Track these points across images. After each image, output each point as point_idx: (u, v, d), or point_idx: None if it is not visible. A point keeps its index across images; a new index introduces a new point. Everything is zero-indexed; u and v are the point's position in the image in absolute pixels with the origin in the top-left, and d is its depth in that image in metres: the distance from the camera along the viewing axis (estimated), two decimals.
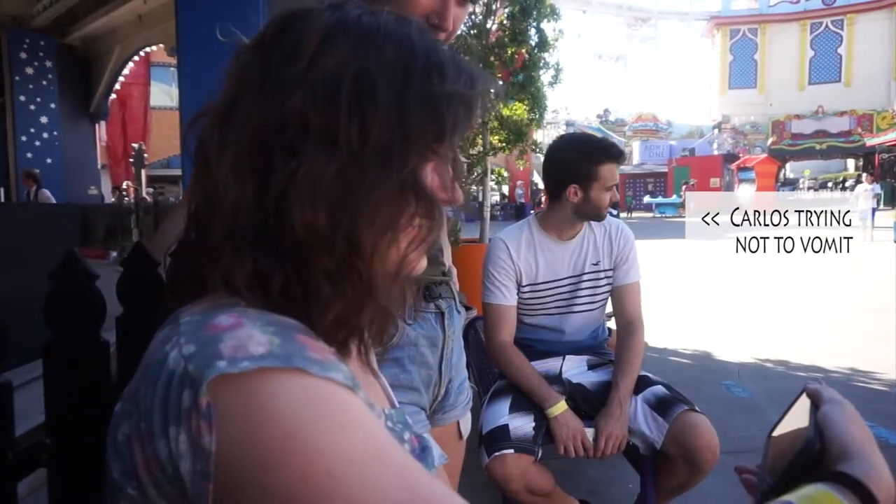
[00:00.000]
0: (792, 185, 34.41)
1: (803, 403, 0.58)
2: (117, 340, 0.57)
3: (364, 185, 0.46)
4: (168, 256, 0.54)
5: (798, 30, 35.25)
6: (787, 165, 34.35)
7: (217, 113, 0.49)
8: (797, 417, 0.57)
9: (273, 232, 0.46)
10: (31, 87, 11.24)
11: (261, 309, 0.45)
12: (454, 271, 1.14)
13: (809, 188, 33.62)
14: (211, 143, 0.48)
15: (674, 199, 26.56)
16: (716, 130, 34.17)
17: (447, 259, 1.12)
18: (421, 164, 0.50)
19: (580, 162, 1.83)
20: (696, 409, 1.69)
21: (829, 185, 34.13)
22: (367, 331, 0.53)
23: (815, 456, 0.51)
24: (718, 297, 6.84)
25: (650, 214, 26.84)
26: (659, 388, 1.78)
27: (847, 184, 33.20)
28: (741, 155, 29.38)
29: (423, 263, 0.54)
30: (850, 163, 36.75)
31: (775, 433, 0.59)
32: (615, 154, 1.84)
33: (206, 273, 0.47)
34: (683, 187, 25.50)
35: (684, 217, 24.43)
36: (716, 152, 30.87)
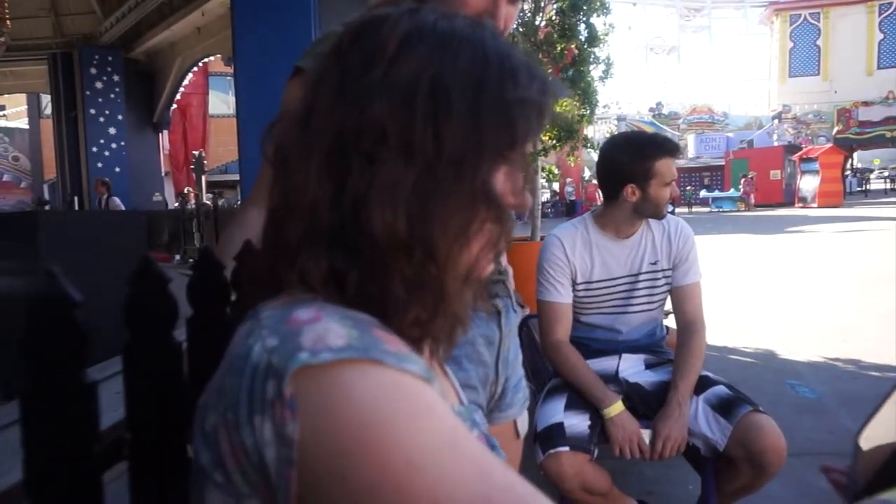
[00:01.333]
0: (861, 174, 32.61)
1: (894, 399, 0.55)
2: (188, 340, 0.60)
3: (440, 193, 0.47)
4: (234, 260, 0.56)
5: (865, 12, 33.41)
6: (855, 155, 32.62)
7: (296, 118, 0.51)
8: (890, 415, 0.55)
9: (349, 234, 0.47)
10: (100, 100, 11.92)
11: (336, 305, 0.47)
12: (510, 270, 1.14)
13: (886, 177, 31.73)
14: (290, 147, 0.50)
15: (731, 192, 25.63)
16: (776, 121, 32.78)
17: (503, 258, 1.12)
18: (493, 171, 0.50)
19: (635, 160, 1.78)
20: (761, 409, 1.64)
21: None
22: (439, 333, 0.53)
23: None
24: (781, 292, 6.56)
25: (706, 209, 26.01)
26: (721, 389, 1.73)
27: None
28: (804, 145, 28.07)
29: (492, 267, 0.55)
30: None
31: (865, 432, 0.57)
32: (670, 148, 1.80)
33: (282, 272, 0.49)
34: (742, 180, 24.56)
35: (743, 211, 23.59)
36: (776, 143, 29.61)
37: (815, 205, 22.46)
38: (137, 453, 0.51)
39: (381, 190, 0.46)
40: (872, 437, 0.56)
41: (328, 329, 0.43)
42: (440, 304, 0.50)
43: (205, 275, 0.59)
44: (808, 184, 23.57)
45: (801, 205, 23.52)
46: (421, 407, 0.42)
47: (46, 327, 0.42)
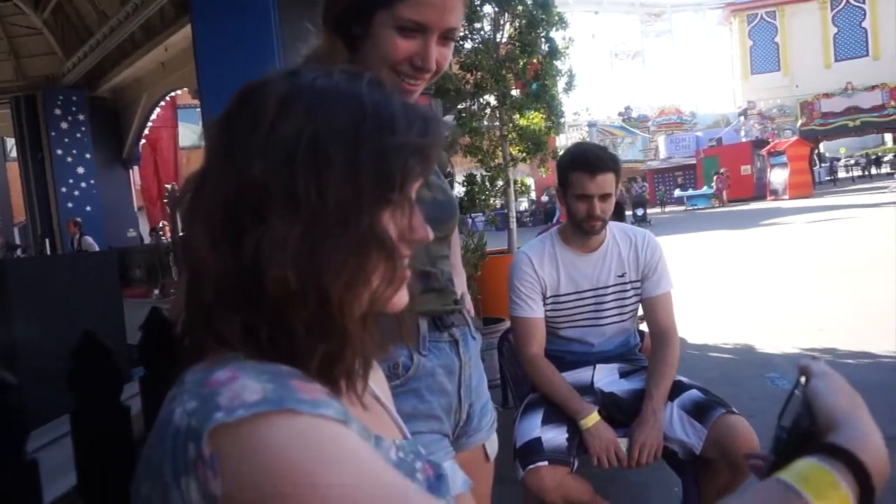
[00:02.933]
0: (832, 163, 33.23)
1: (802, 382, 0.58)
2: (141, 399, 0.61)
3: (327, 243, 0.49)
4: (139, 329, 0.58)
5: (818, 8, 34.39)
6: (821, 145, 33.34)
7: (192, 186, 0.54)
8: (796, 400, 0.58)
9: (252, 291, 0.49)
10: (66, 140, 11.77)
11: (258, 360, 0.49)
12: (467, 297, 1.16)
13: (855, 165, 32.26)
14: (187, 214, 0.53)
15: (704, 190, 26.04)
16: (742, 118, 33.47)
17: (460, 287, 1.14)
18: (377, 215, 0.52)
19: (559, 170, 1.89)
20: (734, 410, 1.67)
21: (874, 158, 32.89)
22: (353, 368, 0.56)
23: (805, 432, 0.53)
24: (758, 286, 6.66)
25: (682, 208, 26.37)
26: (694, 393, 1.76)
27: (886, 158, 32.06)
28: (771, 140, 28.66)
29: (402, 299, 0.57)
30: (889, 137, 35.54)
31: (783, 417, 0.60)
32: (580, 163, 1.82)
33: (200, 336, 0.51)
34: (714, 178, 24.97)
35: (717, 207, 23.94)
36: (744, 139, 30.20)
37: (787, 197, 22.90)
38: None
39: (271, 247, 0.48)
40: (784, 417, 0.59)
41: (244, 386, 0.45)
42: (345, 344, 0.52)
43: (154, 334, 0.60)
44: (778, 177, 24.03)
45: (772, 198, 23.96)
46: (335, 449, 0.44)
47: None
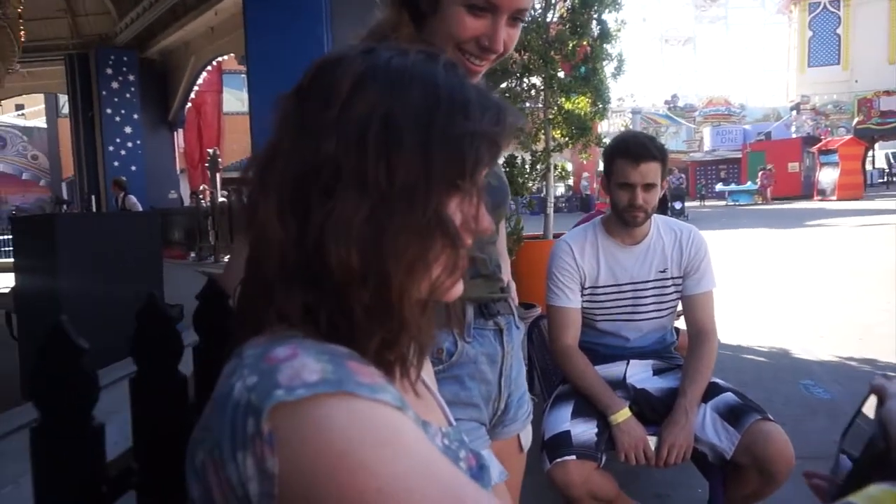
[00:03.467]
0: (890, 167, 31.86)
1: (872, 401, 0.56)
2: (194, 368, 0.62)
3: (393, 224, 0.49)
4: (196, 298, 0.59)
5: None
6: (876, 146, 31.98)
7: (261, 159, 0.53)
8: (867, 416, 0.56)
9: (314, 269, 0.49)
10: (116, 100, 12.11)
11: (315, 339, 0.49)
12: (513, 286, 1.15)
13: None
14: (256, 188, 0.52)
15: (748, 185, 25.29)
16: (794, 112, 32.27)
17: (506, 274, 1.13)
18: (444, 201, 0.52)
19: (605, 157, 1.85)
20: (770, 417, 1.63)
21: None
22: (408, 355, 0.56)
23: (879, 454, 0.51)
24: (798, 289, 6.48)
25: (723, 202, 25.72)
26: (729, 396, 1.72)
27: None
28: (823, 137, 27.59)
29: (459, 289, 0.56)
30: None
31: (847, 437, 0.58)
32: (623, 150, 1.78)
33: (260, 310, 0.51)
34: (760, 173, 24.22)
35: (760, 204, 23.29)
36: (794, 135, 29.15)
37: (835, 198, 22.11)
38: (145, 482, 0.53)
39: (336, 225, 0.48)
40: (851, 441, 0.57)
41: (304, 365, 0.45)
42: (402, 330, 0.52)
43: (210, 304, 0.61)
44: (828, 176, 23.18)
45: (819, 198, 23.17)
46: (392, 435, 0.44)
47: (55, 374, 0.44)
